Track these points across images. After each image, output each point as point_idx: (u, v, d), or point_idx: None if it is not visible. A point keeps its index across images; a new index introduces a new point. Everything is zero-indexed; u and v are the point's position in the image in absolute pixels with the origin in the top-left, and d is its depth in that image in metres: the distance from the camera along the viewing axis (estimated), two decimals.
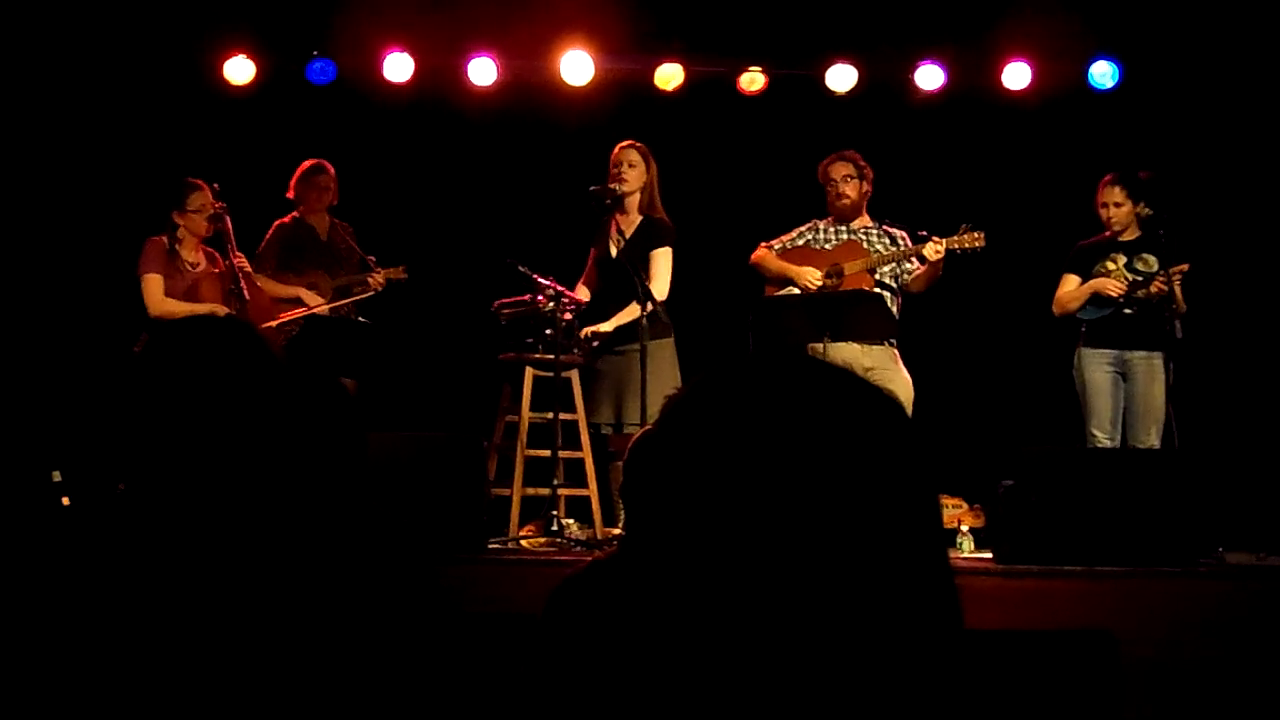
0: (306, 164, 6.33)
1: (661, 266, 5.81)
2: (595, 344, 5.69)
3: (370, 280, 6.23)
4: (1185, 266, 5.73)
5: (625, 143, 5.91)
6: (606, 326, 5.74)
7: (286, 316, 6.11)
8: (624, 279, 5.67)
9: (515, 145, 7.32)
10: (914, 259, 5.88)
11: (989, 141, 7.29)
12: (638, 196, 5.87)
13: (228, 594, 1.51)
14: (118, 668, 1.48)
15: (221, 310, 5.87)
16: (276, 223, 6.32)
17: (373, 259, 6.32)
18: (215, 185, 5.95)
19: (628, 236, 5.85)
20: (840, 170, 6.01)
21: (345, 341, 6.19)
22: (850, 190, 5.98)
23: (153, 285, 5.86)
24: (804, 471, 0.97)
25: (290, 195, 6.33)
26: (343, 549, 1.60)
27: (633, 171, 5.83)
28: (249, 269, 6.00)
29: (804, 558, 0.96)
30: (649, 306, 5.48)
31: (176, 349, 1.67)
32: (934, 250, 5.73)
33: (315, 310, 6.11)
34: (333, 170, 6.33)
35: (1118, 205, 5.90)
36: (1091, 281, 5.93)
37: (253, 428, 1.61)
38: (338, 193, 6.35)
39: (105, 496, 1.60)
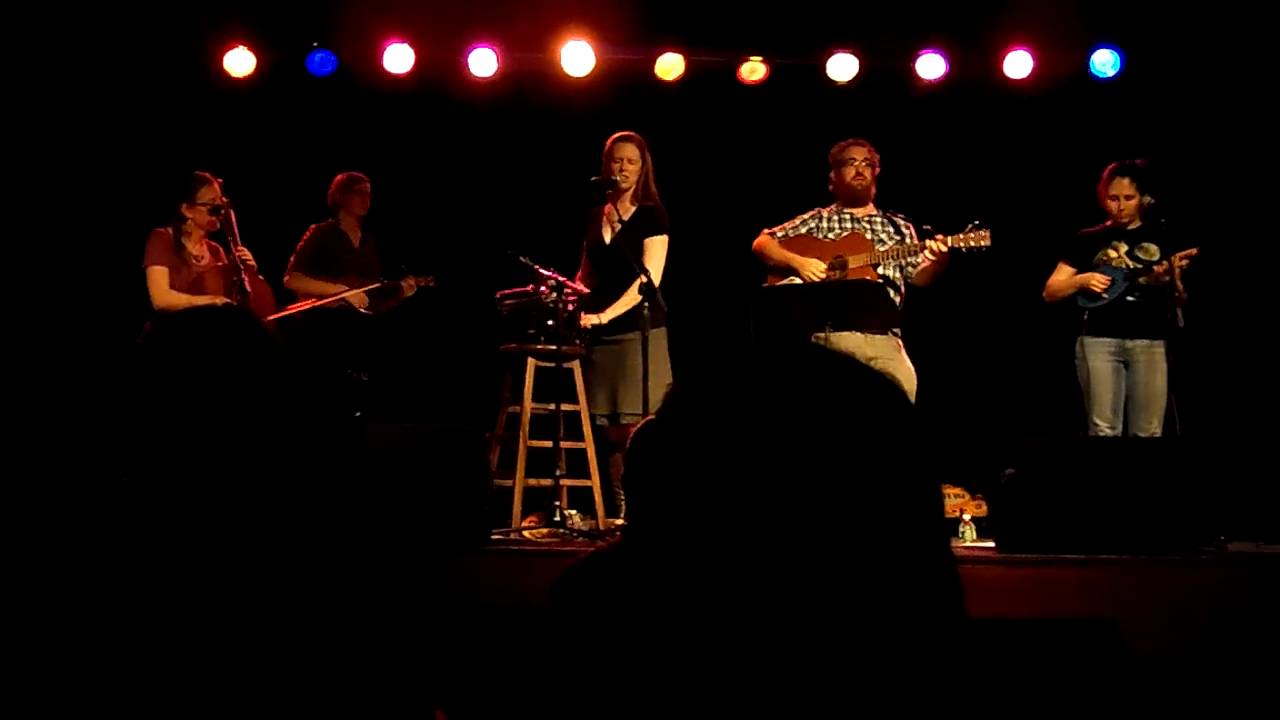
0: (344, 174, 6.43)
1: (657, 252, 5.79)
2: (589, 330, 5.68)
3: (403, 285, 6.33)
4: (1194, 251, 5.74)
5: (619, 135, 5.88)
6: (605, 317, 5.72)
7: (294, 309, 6.14)
8: (620, 265, 5.65)
9: (516, 136, 7.32)
10: (917, 253, 5.88)
11: (990, 131, 7.28)
12: (634, 187, 5.86)
13: (231, 585, 1.51)
14: (120, 660, 1.48)
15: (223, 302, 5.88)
16: (313, 226, 6.37)
17: (404, 266, 6.38)
18: (219, 179, 5.97)
19: (624, 221, 5.82)
20: (860, 153, 6.00)
21: (348, 334, 6.21)
22: (867, 171, 5.99)
23: (157, 277, 5.86)
24: (807, 459, 0.97)
25: (329, 203, 6.38)
26: (346, 541, 1.60)
27: (632, 167, 5.83)
28: (252, 262, 6.01)
29: (807, 547, 0.96)
30: (649, 294, 5.46)
31: (179, 340, 1.67)
32: (937, 248, 5.72)
33: (351, 301, 6.22)
34: (368, 181, 6.40)
35: (1128, 198, 5.92)
36: (1079, 276, 5.97)
37: (256, 417, 1.61)
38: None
39: (109, 488, 1.60)
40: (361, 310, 6.31)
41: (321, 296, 6.21)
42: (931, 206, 6.05)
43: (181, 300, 5.79)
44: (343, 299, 6.23)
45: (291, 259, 6.31)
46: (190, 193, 5.91)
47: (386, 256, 6.50)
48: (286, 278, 6.27)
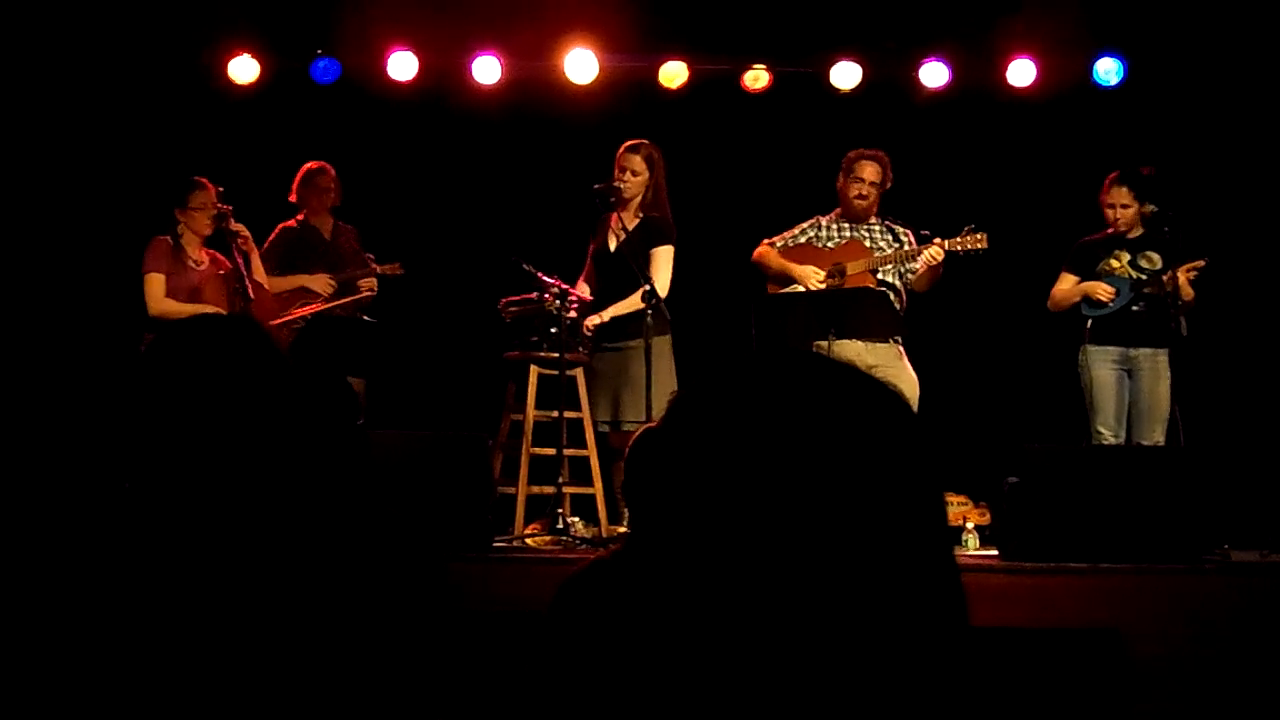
0: (306, 167, 6.36)
1: (662, 263, 5.79)
2: (591, 335, 5.68)
3: (362, 285, 6.28)
4: (1202, 263, 5.74)
5: (630, 143, 5.88)
6: (605, 315, 5.73)
7: (297, 314, 6.12)
8: (623, 273, 5.66)
9: (519, 144, 7.32)
10: (916, 258, 5.88)
11: (993, 139, 7.28)
12: (639, 197, 5.86)
13: (233, 592, 1.51)
14: (122, 667, 1.48)
15: (222, 311, 5.88)
16: (281, 225, 6.34)
17: (370, 256, 6.34)
18: (220, 188, 5.96)
19: (629, 231, 5.83)
20: (871, 172, 5.95)
21: (351, 341, 6.20)
22: (872, 193, 5.96)
23: (154, 285, 5.87)
24: (810, 468, 0.97)
25: (293, 199, 6.34)
26: (348, 547, 1.61)
27: (635, 179, 5.81)
28: (246, 233, 5.98)
29: (810, 555, 0.96)
30: (652, 302, 5.47)
31: (183, 347, 1.67)
32: (936, 253, 5.73)
33: (322, 304, 6.15)
34: (333, 171, 6.35)
35: (1124, 206, 5.91)
36: (1083, 284, 5.97)
37: (258, 426, 1.61)
38: (340, 194, 6.37)
39: (111, 495, 1.60)
40: (328, 299, 6.20)
41: (283, 293, 6.18)
42: (935, 215, 6.05)
43: (175, 307, 5.79)
44: (314, 310, 6.17)
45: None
46: (183, 196, 5.92)
47: (371, 245, 6.46)
48: None
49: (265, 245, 6.27)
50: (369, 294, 6.31)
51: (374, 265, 6.31)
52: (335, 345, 6.14)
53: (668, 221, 5.86)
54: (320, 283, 6.22)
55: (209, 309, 5.84)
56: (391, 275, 6.35)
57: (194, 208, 5.92)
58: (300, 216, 6.35)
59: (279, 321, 6.03)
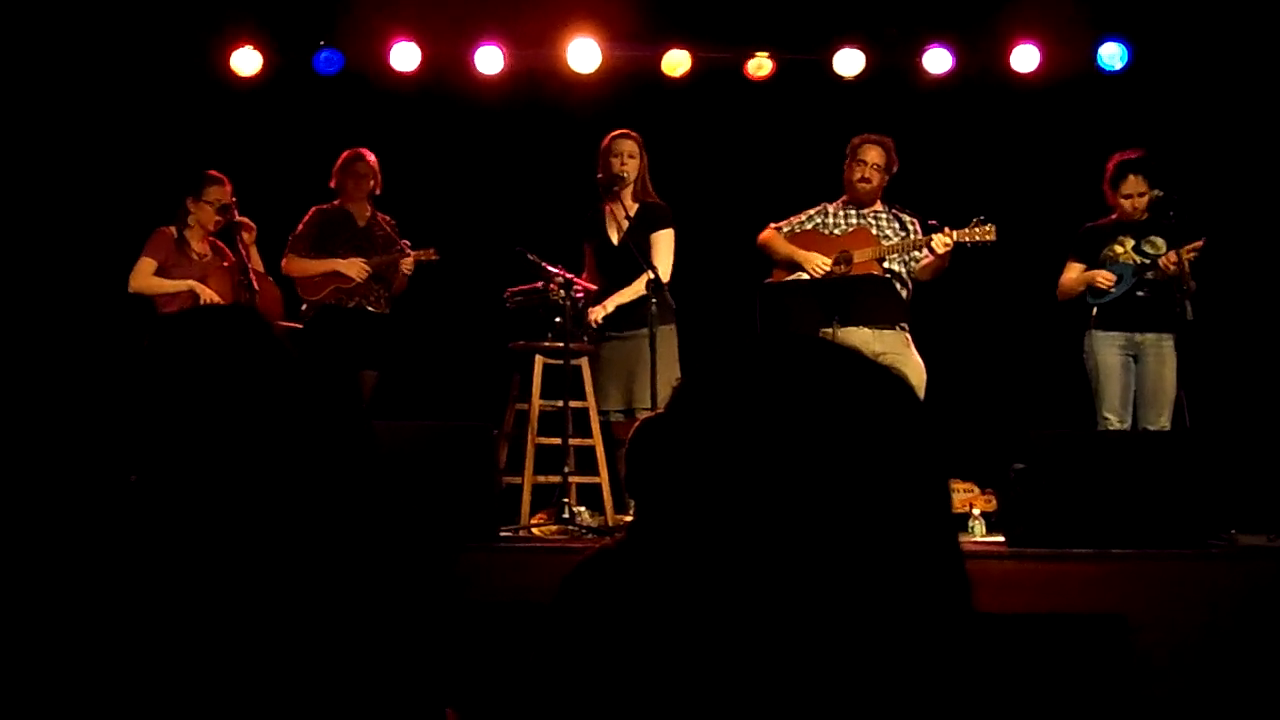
0: (347, 153, 6.32)
1: (664, 247, 5.81)
2: (597, 326, 5.70)
3: (402, 263, 6.22)
4: (1200, 243, 5.73)
5: (618, 132, 5.90)
6: (609, 305, 5.74)
7: (326, 297, 6.13)
8: (629, 263, 5.66)
9: (523, 134, 7.32)
10: (922, 248, 5.88)
11: (997, 125, 7.27)
12: (633, 184, 5.88)
13: (241, 584, 1.51)
14: (129, 660, 1.48)
15: (202, 289, 5.88)
16: (315, 207, 6.31)
17: (406, 243, 6.31)
18: (230, 183, 5.98)
19: (630, 220, 5.84)
20: (874, 155, 5.97)
21: (357, 331, 6.20)
22: (875, 176, 5.96)
23: (143, 265, 5.88)
24: (815, 455, 0.97)
25: (332, 184, 6.32)
26: (356, 539, 1.61)
27: (633, 161, 5.85)
28: (260, 268, 6.02)
29: (815, 542, 0.96)
30: (656, 289, 5.48)
31: (186, 339, 1.67)
32: (944, 242, 5.72)
33: (353, 279, 6.15)
34: (372, 159, 6.31)
35: (1141, 195, 5.90)
36: (1086, 274, 5.96)
37: (264, 416, 1.61)
38: (380, 182, 6.33)
39: (116, 488, 1.61)
40: (359, 281, 6.19)
41: (315, 276, 6.18)
42: (939, 201, 6.04)
43: (156, 283, 5.82)
44: (337, 272, 6.15)
45: (289, 241, 6.25)
46: (199, 189, 5.93)
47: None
48: (283, 261, 6.22)
49: (300, 227, 6.25)
50: (404, 277, 6.26)
51: (409, 251, 6.27)
52: (342, 337, 6.14)
53: (663, 205, 5.89)
54: (354, 267, 6.17)
55: (192, 284, 5.85)
56: (427, 261, 6.29)
57: (206, 201, 5.93)
58: (336, 202, 6.33)
59: (311, 301, 6.06)
